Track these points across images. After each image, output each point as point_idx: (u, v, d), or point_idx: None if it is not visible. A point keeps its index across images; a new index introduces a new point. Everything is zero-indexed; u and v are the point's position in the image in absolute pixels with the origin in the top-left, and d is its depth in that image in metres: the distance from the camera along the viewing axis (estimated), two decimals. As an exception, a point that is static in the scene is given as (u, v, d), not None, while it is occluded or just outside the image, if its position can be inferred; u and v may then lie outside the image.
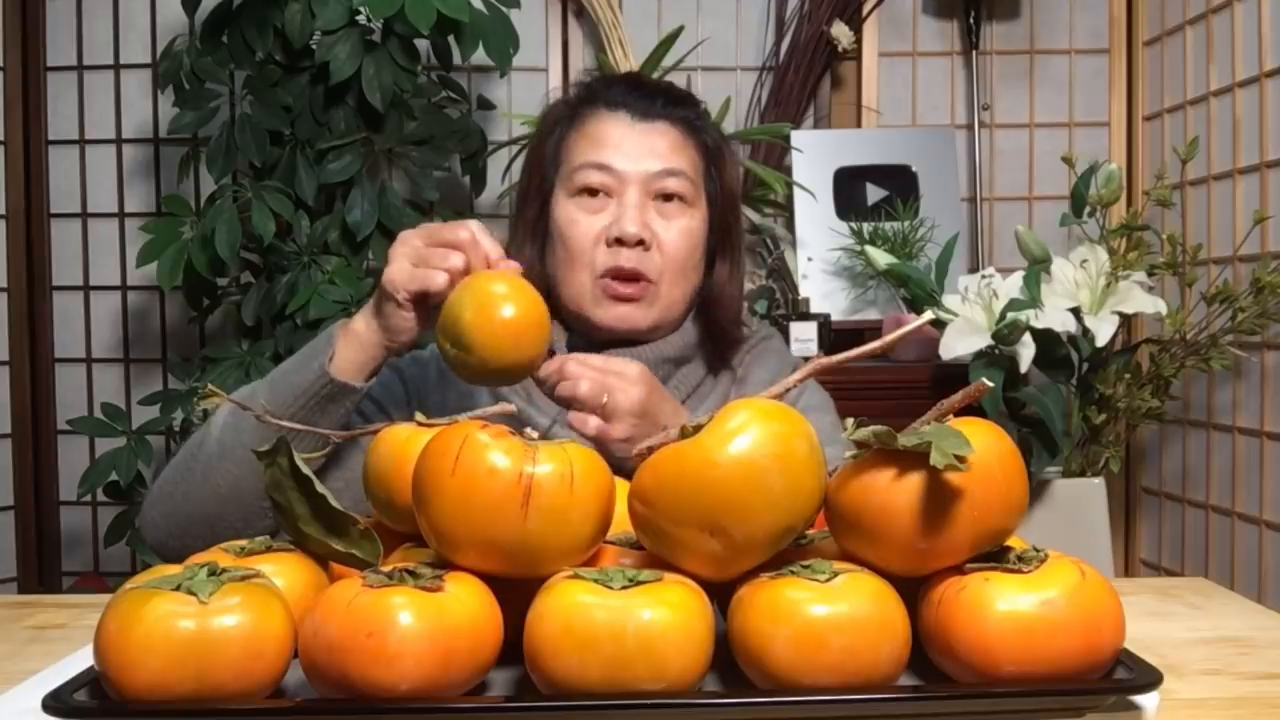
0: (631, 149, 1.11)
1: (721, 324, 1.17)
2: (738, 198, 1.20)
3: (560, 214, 1.12)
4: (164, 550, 1.01)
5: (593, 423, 0.93)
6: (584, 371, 0.94)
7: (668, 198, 1.11)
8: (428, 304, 0.94)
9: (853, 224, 2.05)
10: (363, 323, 0.97)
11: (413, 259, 0.93)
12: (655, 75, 2.02)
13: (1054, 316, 1.68)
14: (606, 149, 1.11)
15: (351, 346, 0.97)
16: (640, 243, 1.08)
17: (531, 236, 1.15)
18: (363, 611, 0.56)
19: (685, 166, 1.13)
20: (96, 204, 2.26)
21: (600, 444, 0.92)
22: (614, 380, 0.94)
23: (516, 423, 1.09)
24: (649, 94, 1.16)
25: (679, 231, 1.11)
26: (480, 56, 1.91)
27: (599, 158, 1.11)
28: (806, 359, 1.33)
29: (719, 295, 1.16)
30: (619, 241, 1.08)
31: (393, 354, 0.99)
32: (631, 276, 1.09)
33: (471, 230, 0.92)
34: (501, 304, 0.85)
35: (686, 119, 1.15)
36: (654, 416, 0.95)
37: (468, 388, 1.14)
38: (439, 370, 1.16)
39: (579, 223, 1.11)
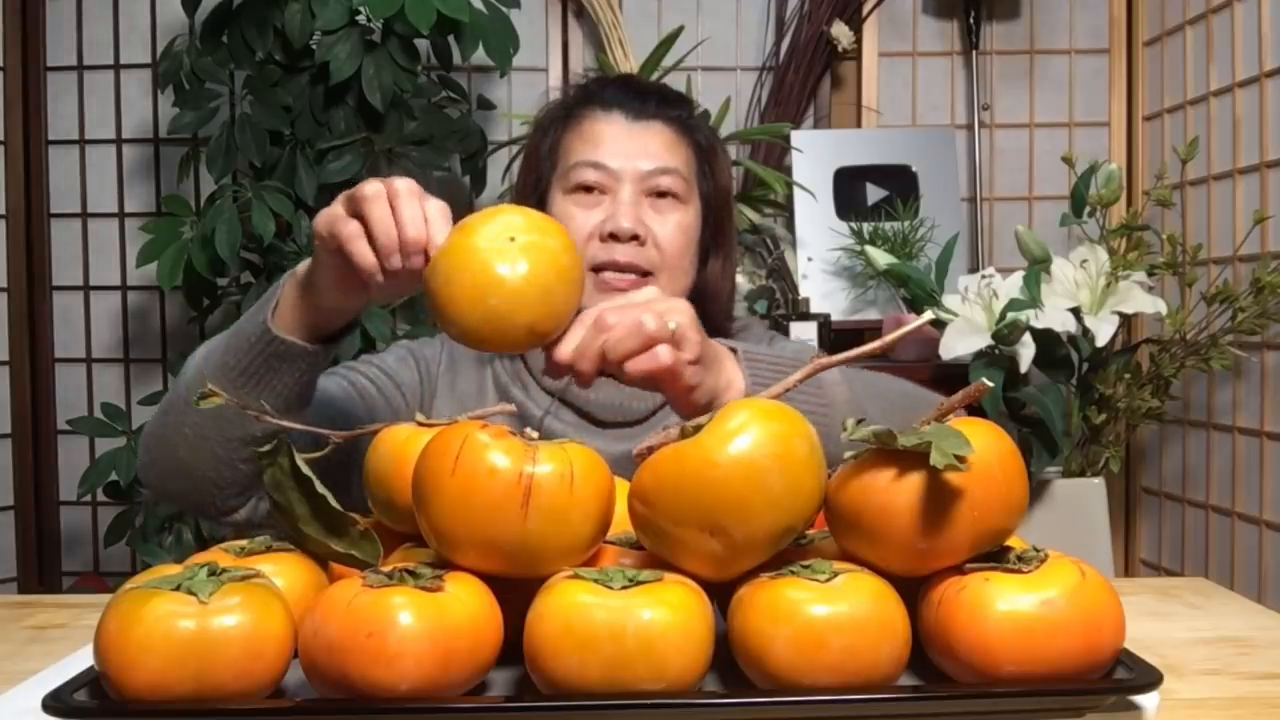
0: (626, 148, 1.13)
1: (713, 319, 1.18)
2: (730, 195, 1.22)
3: (556, 211, 1.14)
4: (157, 494, 0.99)
5: (664, 354, 0.78)
6: (625, 314, 0.79)
7: (661, 194, 1.13)
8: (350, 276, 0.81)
9: (853, 224, 2.05)
10: (303, 271, 0.88)
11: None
12: (655, 75, 2.02)
13: (1054, 316, 1.68)
14: (601, 148, 1.13)
15: (290, 295, 0.88)
16: (635, 238, 1.10)
17: None
18: (363, 611, 0.56)
19: (678, 164, 1.14)
20: (96, 204, 2.26)
21: (670, 383, 0.80)
22: (660, 306, 0.81)
23: (514, 419, 1.10)
24: (642, 94, 1.18)
25: (673, 226, 1.13)
26: (480, 56, 1.91)
27: (594, 156, 1.13)
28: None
29: (712, 291, 1.18)
30: (613, 237, 1.10)
31: (330, 318, 0.88)
32: (626, 270, 1.10)
33: (387, 185, 0.78)
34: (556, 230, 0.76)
35: (679, 118, 1.17)
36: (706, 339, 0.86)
37: (476, 373, 1.14)
38: (450, 357, 1.16)
39: (574, 218, 1.12)
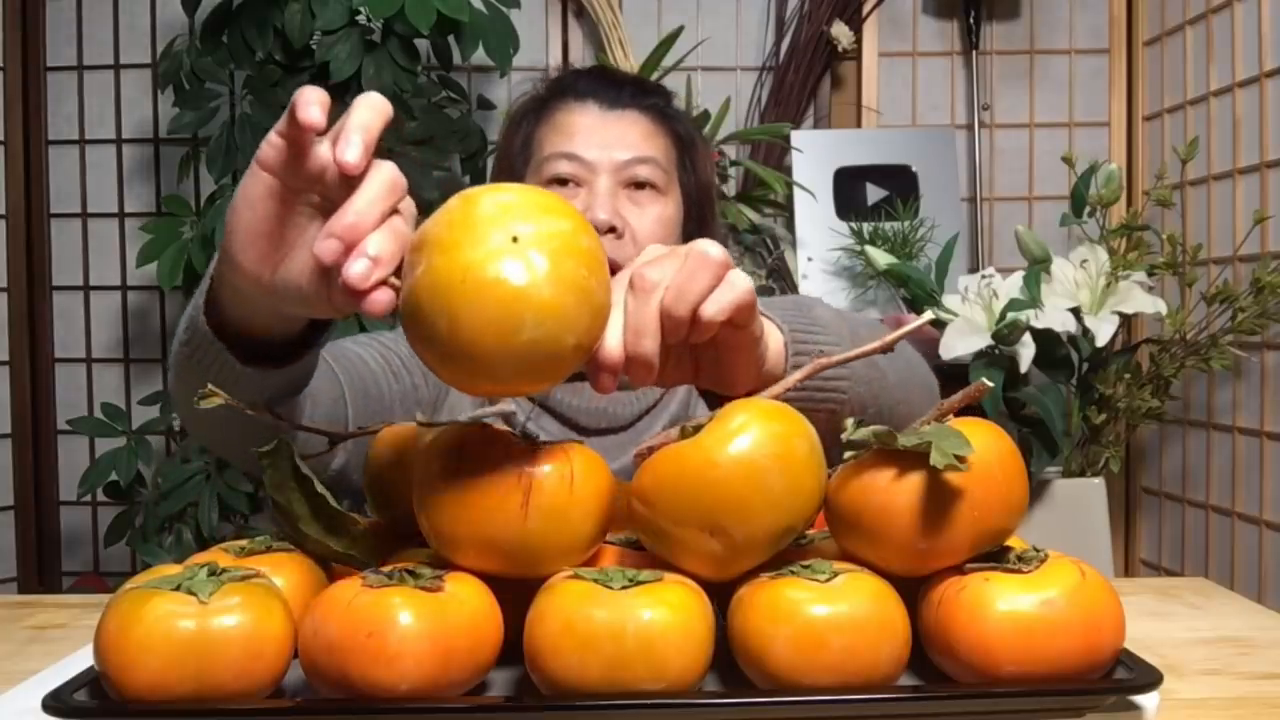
0: (601, 138, 1.09)
1: None
2: (713, 188, 1.18)
3: None
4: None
5: (740, 279, 0.63)
6: (666, 263, 0.63)
7: (639, 185, 1.09)
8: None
9: (853, 224, 2.05)
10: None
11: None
12: (655, 76, 2.02)
13: (1054, 316, 1.68)
14: (575, 139, 1.09)
15: (216, 283, 0.70)
16: (611, 230, 1.05)
17: None
18: (363, 611, 0.56)
19: (656, 154, 1.10)
20: (96, 204, 2.26)
21: (747, 323, 0.65)
22: (697, 245, 0.64)
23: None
24: (617, 84, 1.14)
25: (652, 219, 1.08)
26: (480, 56, 1.92)
27: (568, 148, 1.09)
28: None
29: None
30: None
31: (250, 306, 0.69)
32: None
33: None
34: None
35: (656, 107, 1.13)
36: None
37: None
38: None
39: None
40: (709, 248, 0.62)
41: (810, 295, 1.12)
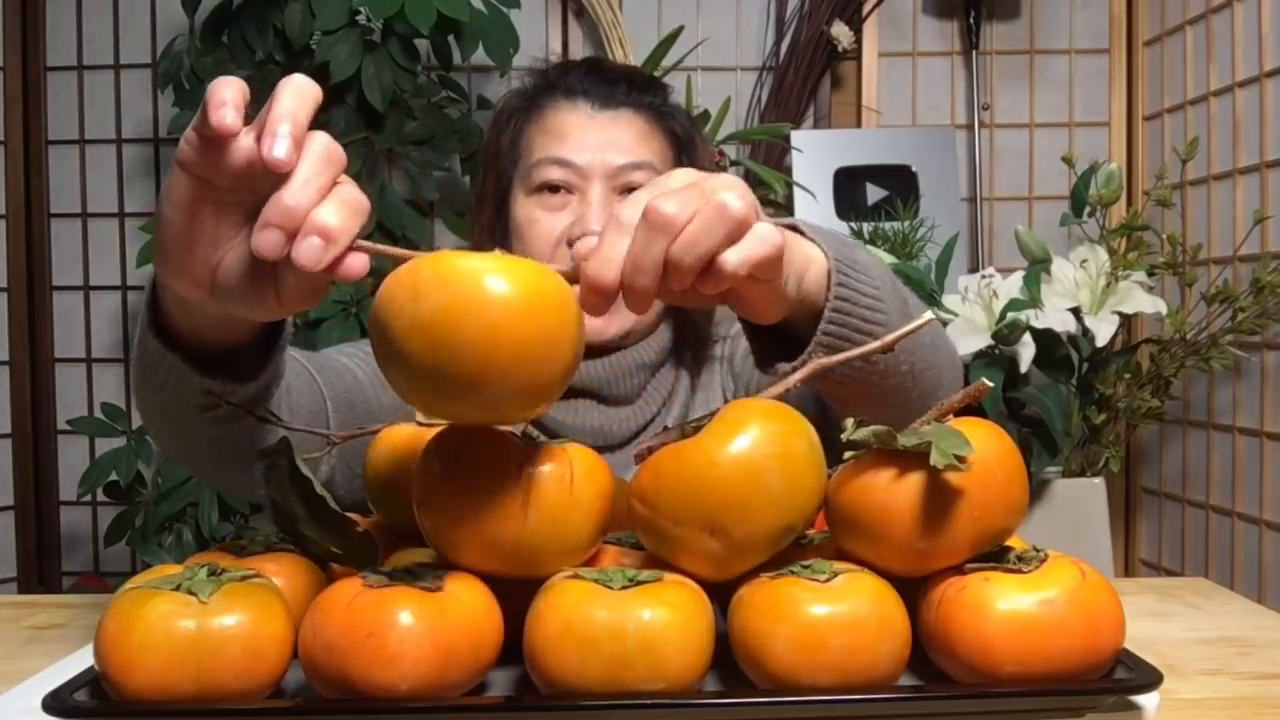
0: (593, 141, 1.03)
1: (696, 324, 1.10)
2: None
3: (519, 214, 1.05)
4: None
5: (769, 232, 0.58)
6: (686, 198, 0.57)
7: (634, 191, 1.05)
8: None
9: (853, 224, 2.05)
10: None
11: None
12: (655, 75, 2.02)
13: (1054, 316, 1.68)
14: (566, 142, 1.04)
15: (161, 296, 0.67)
16: None
17: (490, 240, 1.08)
18: (363, 612, 0.56)
19: (652, 158, 1.05)
20: (96, 204, 2.26)
21: (774, 277, 0.61)
22: (717, 181, 0.59)
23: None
24: (610, 80, 1.07)
25: None
26: (480, 56, 1.92)
27: (558, 152, 1.04)
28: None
29: None
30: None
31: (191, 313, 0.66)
32: None
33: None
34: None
35: (652, 105, 1.08)
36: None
37: None
38: None
39: (539, 223, 1.03)
40: (731, 200, 0.56)
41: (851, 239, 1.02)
